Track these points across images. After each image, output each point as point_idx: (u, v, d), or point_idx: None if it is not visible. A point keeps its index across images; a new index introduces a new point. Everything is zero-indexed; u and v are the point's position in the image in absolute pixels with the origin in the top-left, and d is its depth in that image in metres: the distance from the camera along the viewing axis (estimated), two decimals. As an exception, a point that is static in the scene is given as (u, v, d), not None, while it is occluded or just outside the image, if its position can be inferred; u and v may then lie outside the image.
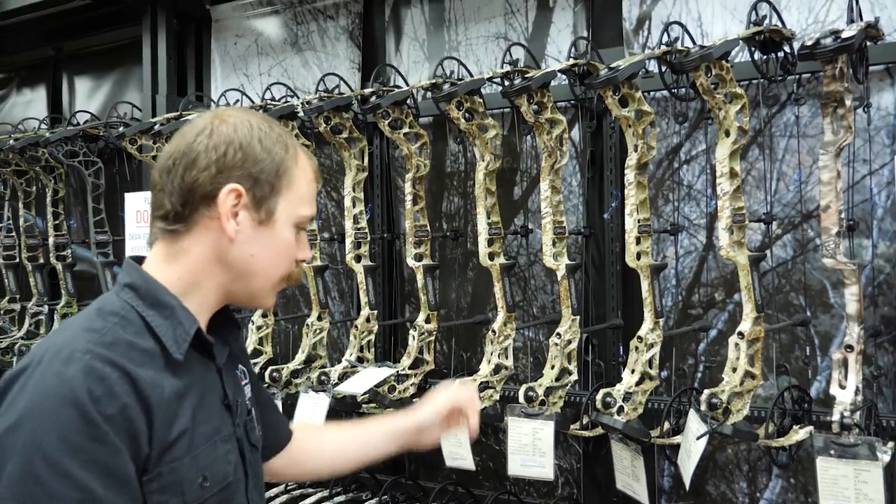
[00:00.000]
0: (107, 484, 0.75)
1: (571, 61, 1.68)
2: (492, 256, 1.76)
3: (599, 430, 1.68)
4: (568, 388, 1.68)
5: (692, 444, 1.38)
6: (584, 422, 1.68)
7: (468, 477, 1.96)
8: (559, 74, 1.69)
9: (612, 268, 1.80)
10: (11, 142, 2.56)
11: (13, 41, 3.14)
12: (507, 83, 1.66)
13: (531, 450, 1.56)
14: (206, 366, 0.90)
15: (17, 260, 2.71)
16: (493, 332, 1.74)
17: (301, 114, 2.02)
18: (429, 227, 1.92)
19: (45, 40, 3.06)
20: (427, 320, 1.89)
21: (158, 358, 0.83)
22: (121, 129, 2.36)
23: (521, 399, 1.62)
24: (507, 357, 1.75)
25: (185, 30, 2.63)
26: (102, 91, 3.00)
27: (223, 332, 0.95)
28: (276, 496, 2.01)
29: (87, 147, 2.49)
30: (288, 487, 2.06)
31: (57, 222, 2.59)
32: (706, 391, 1.43)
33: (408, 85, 1.98)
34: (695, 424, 1.39)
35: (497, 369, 1.73)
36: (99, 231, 2.52)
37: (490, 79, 1.72)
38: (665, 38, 1.50)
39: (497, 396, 1.72)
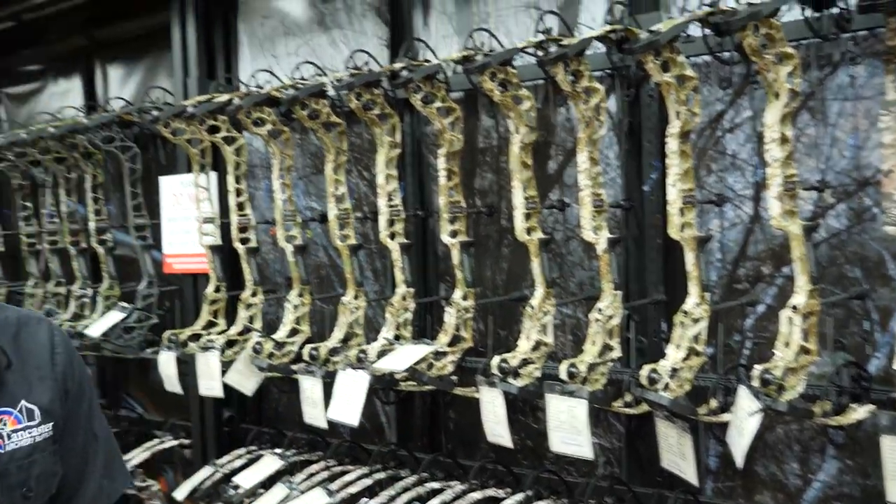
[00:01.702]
0: None
1: (608, 27, 1.61)
2: (529, 231, 1.72)
3: (643, 408, 1.64)
4: (610, 365, 1.64)
5: (744, 421, 1.33)
6: (627, 399, 1.64)
7: (507, 455, 1.94)
8: (595, 42, 1.62)
9: (653, 241, 1.74)
10: (51, 130, 2.60)
11: (47, 32, 3.18)
12: (541, 53, 1.60)
13: (569, 427, 1.53)
14: None
15: (61, 245, 2.77)
16: (532, 307, 1.70)
17: (331, 91, 2.00)
18: (463, 203, 1.88)
19: (78, 30, 3.10)
20: (464, 297, 1.86)
21: None
22: (154, 113, 2.37)
23: (563, 375, 1.58)
24: (546, 333, 1.71)
25: (212, 12, 2.62)
26: (135, 77, 3.03)
27: None
28: (318, 472, 2.03)
29: (122, 132, 2.53)
30: (328, 465, 2.08)
31: (97, 207, 2.63)
32: (758, 366, 1.37)
33: (437, 59, 1.94)
34: (746, 401, 1.34)
35: (536, 346, 1.70)
36: (137, 215, 2.56)
37: (523, 49, 1.67)
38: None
39: (538, 374, 1.69)
